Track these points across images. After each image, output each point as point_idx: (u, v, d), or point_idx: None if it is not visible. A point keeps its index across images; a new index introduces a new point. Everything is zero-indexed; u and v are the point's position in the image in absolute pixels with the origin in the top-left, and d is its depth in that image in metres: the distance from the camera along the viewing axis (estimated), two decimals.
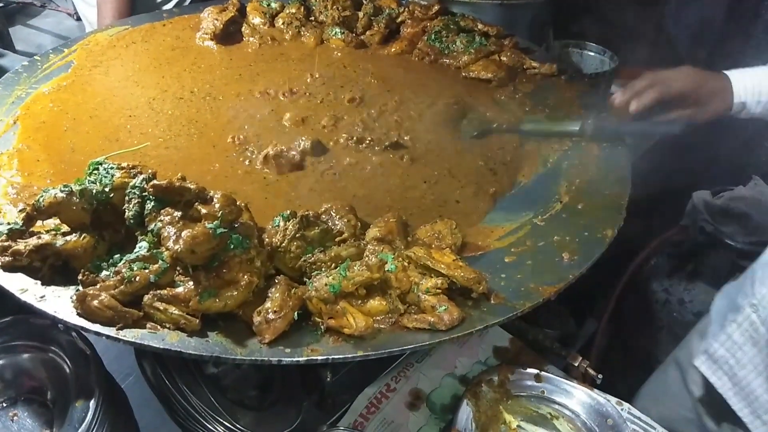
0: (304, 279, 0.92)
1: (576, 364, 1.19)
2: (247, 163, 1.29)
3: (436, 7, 1.74)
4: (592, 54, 2.00)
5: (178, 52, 1.69)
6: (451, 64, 1.63)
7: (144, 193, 0.96)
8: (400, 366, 1.22)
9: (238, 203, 0.97)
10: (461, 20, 1.70)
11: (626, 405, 1.20)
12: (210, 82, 1.57)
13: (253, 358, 0.81)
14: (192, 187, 0.93)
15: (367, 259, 0.88)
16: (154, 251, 0.91)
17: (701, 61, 2.21)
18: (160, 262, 0.89)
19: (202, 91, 1.53)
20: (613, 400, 1.18)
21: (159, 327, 0.85)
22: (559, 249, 1.03)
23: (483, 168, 1.29)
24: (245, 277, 0.86)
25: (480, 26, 1.69)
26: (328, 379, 1.08)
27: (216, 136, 1.37)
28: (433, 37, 1.67)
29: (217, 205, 0.91)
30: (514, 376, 1.14)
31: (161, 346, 0.82)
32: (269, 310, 0.83)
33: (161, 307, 0.86)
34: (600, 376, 1.18)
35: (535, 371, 1.14)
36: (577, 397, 1.11)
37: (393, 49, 1.67)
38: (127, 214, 0.96)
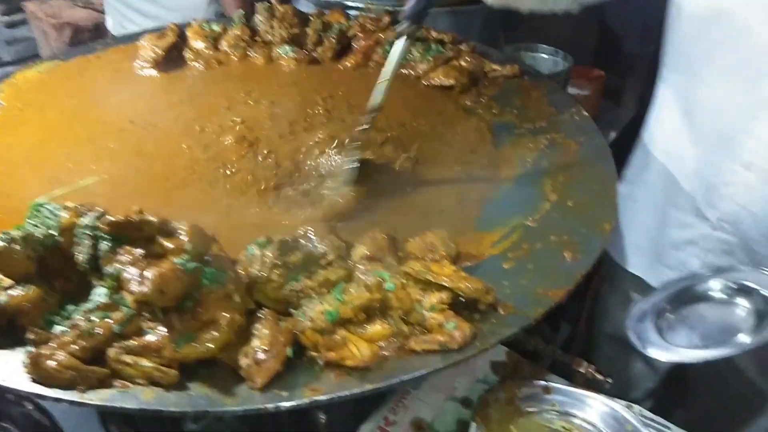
0: (290, 310, 0.82)
1: (582, 371, 1.12)
2: (206, 190, 1.19)
3: (387, 19, 1.68)
4: (545, 56, 1.98)
5: (117, 84, 1.57)
6: (409, 73, 1.57)
7: (96, 233, 0.84)
8: (397, 396, 1.12)
9: (208, 233, 0.87)
10: None
11: (637, 408, 1.13)
12: (153, 111, 1.45)
13: (246, 407, 0.70)
14: (153, 219, 0.81)
15: (363, 278, 0.79)
16: (115, 297, 0.80)
17: (649, 55, 2.24)
18: (124, 309, 0.78)
19: (146, 122, 1.41)
20: (623, 403, 1.12)
21: (130, 384, 0.73)
22: (559, 249, 0.97)
23: (461, 174, 1.22)
24: (225, 315, 0.76)
25: (434, 34, 1.64)
26: (323, 420, 0.97)
27: (165, 167, 1.26)
28: (387, 48, 1.60)
29: (184, 237, 0.81)
30: (522, 391, 1.06)
31: (136, 407, 0.70)
32: (258, 349, 0.73)
33: (130, 361, 0.74)
34: (609, 380, 1.11)
35: (543, 383, 1.06)
36: (590, 406, 1.04)
37: (348, 64, 1.60)
38: (78, 257, 0.84)
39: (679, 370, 1.69)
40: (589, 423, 1.02)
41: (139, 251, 0.80)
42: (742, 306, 1.04)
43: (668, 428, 1.12)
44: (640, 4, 2.22)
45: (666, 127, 1.34)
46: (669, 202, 1.34)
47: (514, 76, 1.51)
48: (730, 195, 1.21)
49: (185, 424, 0.94)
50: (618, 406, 1.05)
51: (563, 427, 1.04)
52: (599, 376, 1.12)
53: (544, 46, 1.98)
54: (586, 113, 1.32)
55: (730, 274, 1.08)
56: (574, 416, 1.03)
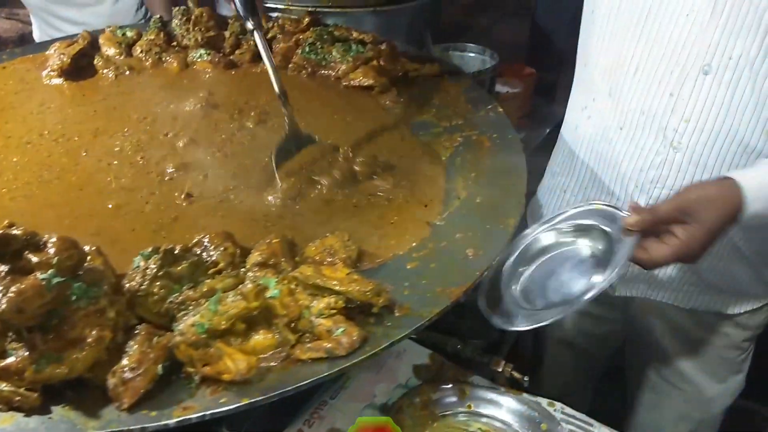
0: (173, 324, 0.78)
1: (500, 370, 1.10)
2: (114, 198, 1.14)
3: (307, 20, 1.65)
4: (472, 55, 1.98)
5: (22, 95, 1.49)
6: (330, 75, 1.54)
7: None
8: (312, 406, 1.08)
9: (83, 247, 0.81)
10: (335, 30, 1.62)
11: (559, 405, 1.12)
12: (62, 122, 1.39)
13: (108, 430, 0.65)
14: (17, 233, 0.76)
15: (241, 286, 0.75)
16: None
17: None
18: None
19: (54, 133, 1.35)
20: (545, 401, 1.10)
21: None
22: (462, 246, 0.94)
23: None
24: (94, 332, 0.70)
25: (355, 34, 1.61)
26: None
27: (76, 178, 1.21)
28: (307, 49, 1.57)
29: (51, 251, 0.75)
30: (437, 394, 1.04)
31: None
32: (126, 368, 0.68)
33: None
34: (526, 378, 1.09)
35: (458, 386, 1.04)
36: (505, 406, 1.02)
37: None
38: None
39: (613, 362, 1.69)
40: (503, 422, 1.00)
41: (4, 267, 0.75)
42: (585, 246, 1.01)
43: (590, 424, 1.11)
44: (571, 1, 2.24)
45: (591, 112, 1.32)
46: (601, 190, 1.32)
47: (434, 75, 1.50)
48: (660, 178, 1.19)
49: None
50: (535, 404, 1.04)
51: (480, 429, 1.02)
52: (517, 375, 1.10)
53: (472, 45, 1.97)
54: (501, 110, 1.31)
55: (565, 219, 1.05)
56: (490, 417, 1.01)
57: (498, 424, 1.00)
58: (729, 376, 1.42)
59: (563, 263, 1.01)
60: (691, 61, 1.09)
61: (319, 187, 1.13)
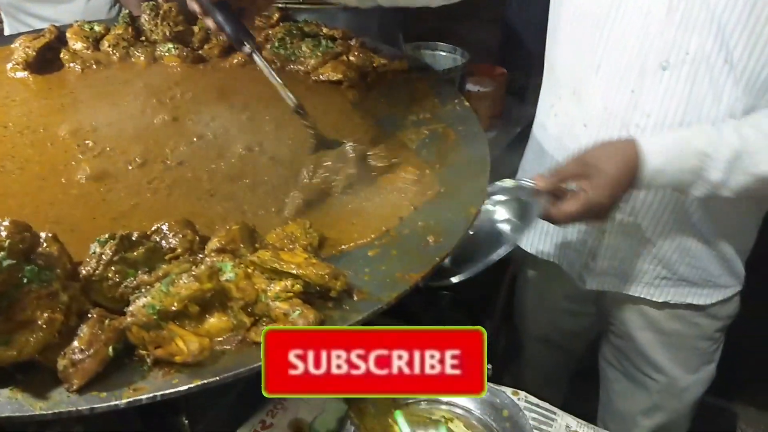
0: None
1: None
2: (76, 188, 1.13)
3: (277, 15, 1.65)
4: (443, 53, 2.00)
5: None
6: (299, 70, 1.54)
7: None
8: (276, 398, 1.08)
9: (39, 232, 0.80)
10: (305, 26, 1.62)
11: (522, 393, 1.13)
12: (27, 114, 1.37)
13: (56, 410, 0.64)
14: None
15: (194, 268, 0.75)
16: None
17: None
18: None
19: (19, 125, 1.33)
20: (509, 390, 1.11)
21: None
22: (424, 234, 0.95)
23: None
24: (45, 315, 0.70)
25: (325, 30, 1.62)
26: (186, 427, 0.92)
27: (39, 168, 1.19)
28: (277, 44, 1.57)
29: (3, 234, 0.74)
30: None
31: None
32: (76, 350, 0.67)
33: None
34: (490, 366, 1.10)
35: None
36: None
37: (235, 61, 1.56)
38: None
39: (589, 354, 1.71)
40: (465, 409, 1.01)
41: None
42: (505, 216, 1.12)
43: (553, 412, 1.13)
44: (539, 4, 2.27)
45: (558, 110, 1.35)
46: None
47: (402, 70, 1.50)
48: None
49: None
50: (497, 392, 1.05)
51: (443, 416, 1.02)
52: None
53: (443, 44, 1.99)
54: (467, 104, 1.33)
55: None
56: (452, 404, 1.02)
57: (460, 411, 1.01)
58: (701, 367, 1.45)
59: (490, 233, 1.09)
60: (651, 57, 1.12)
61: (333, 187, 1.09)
